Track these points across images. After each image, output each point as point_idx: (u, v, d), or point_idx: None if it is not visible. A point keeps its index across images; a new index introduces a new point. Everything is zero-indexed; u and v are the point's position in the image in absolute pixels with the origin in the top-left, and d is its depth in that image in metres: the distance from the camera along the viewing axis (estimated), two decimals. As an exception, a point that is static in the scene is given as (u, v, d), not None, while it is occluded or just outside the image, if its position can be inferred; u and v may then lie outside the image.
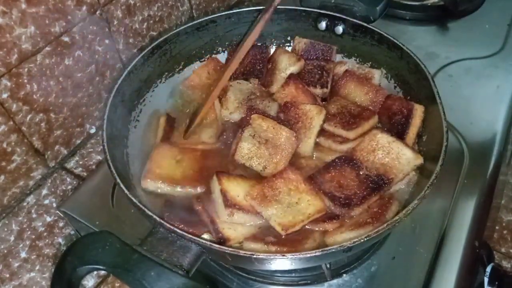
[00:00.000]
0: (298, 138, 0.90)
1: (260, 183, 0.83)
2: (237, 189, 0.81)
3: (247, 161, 0.87)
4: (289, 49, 1.14)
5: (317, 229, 0.80)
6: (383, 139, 0.88)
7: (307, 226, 0.80)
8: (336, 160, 0.88)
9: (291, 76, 1.01)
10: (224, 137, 0.94)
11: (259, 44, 1.11)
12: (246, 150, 0.86)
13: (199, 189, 0.87)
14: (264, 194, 0.81)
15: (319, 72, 1.04)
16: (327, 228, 0.80)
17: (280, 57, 1.06)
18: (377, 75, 1.05)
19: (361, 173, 0.86)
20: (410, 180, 0.88)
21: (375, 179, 0.85)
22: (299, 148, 0.91)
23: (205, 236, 0.80)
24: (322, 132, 0.94)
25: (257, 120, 0.89)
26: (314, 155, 0.93)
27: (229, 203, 0.78)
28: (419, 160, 0.86)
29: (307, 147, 0.91)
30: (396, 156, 0.87)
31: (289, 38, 1.15)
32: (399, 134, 0.91)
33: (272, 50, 1.13)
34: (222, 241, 0.78)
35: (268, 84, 1.04)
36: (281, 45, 1.15)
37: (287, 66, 1.04)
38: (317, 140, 0.93)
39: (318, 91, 1.02)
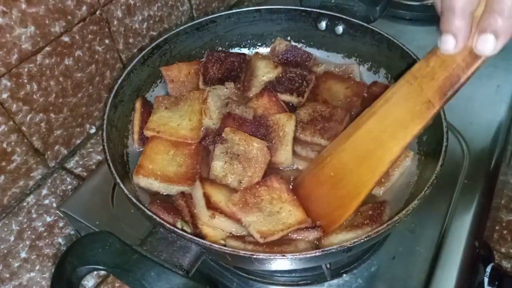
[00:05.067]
0: (274, 148, 0.89)
1: (238, 190, 0.84)
2: (219, 196, 0.81)
3: (222, 179, 0.85)
4: (268, 50, 1.14)
5: (299, 237, 0.79)
6: None
7: (289, 235, 0.79)
8: None
9: (266, 88, 0.99)
10: (206, 142, 0.93)
11: (238, 52, 1.12)
12: (219, 168, 0.85)
13: (191, 189, 0.85)
14: (246, 200, 0.80)
15: (299, 81, 1.03)
16: (307, 237, 0.79)
17: (257, 63, 1.05)
18: (356, 69, 1.07)
19: None
20: (401, 183, 0.88)
21: None
22: (278, 158, 0.89)
23: (178, 224, 0.80)
24: (298, 141, 0.93)
25: (229, 134, 0.88)
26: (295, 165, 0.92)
27: (212, 206, 0.78)
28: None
29: (286, 155, 0.90)
30: None
31: (289, 38, 1.15)
32: None
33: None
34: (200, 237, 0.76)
35: (246, 89, 1.04)
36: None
37: (264, 73, 1.03)
38: (295, 149, 0.92)
39: (294, 99, 1.00)
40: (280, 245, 0.76)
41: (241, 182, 0.85)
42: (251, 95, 1.02)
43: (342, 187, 0.79)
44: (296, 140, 0.93)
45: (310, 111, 0.97)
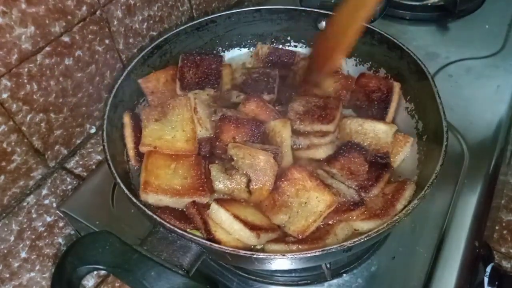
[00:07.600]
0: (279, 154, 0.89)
1: (249, 201, 0.84)
2: (238, 212, 0.80)
3: (230, 195, 0.85)
4: (254, 51, 1.15)
5: (344, 218, 0.81)
6: (354, 124, 0.92)
7: (331, 220, 0.81)
8: (343, 147, 0.90)
9: (250, 95, 0.98)
10: (203, 150, 0.93)
11: (214, 54, 1.11)
12: (222, 187, 0.84)
13: (203, 199, 0.84)
14: (274, 201, 0.82)
15: (265, 79, 1.03)
16: (353, 216, 0.81)
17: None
18: (343, 63, 1.09)
19: (368, 157, 0.89)
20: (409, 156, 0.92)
21: (376, 158, 0.89)
22: (282, 165, 0.89)
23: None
24: (299, 133, 0.94)
25: (233, 149, 0.87)
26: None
27: (250, 226, 0.77)
28: (394, 128, 0.90)
29: (288, 160, 0.90)
30: (374, 134, 0.90)
31: (289, 38, 1.15)
32: (380, 110, 0.96)
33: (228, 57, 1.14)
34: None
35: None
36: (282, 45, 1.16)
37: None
38: (299, 144, 0.93)
39: (265, 97, 1.01)
40: (321, 237, 0.77)
41: (250, 194, 0.85)
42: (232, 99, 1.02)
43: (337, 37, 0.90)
44: (296, 132, 0.93)
45: (303, 103, 0.98)
